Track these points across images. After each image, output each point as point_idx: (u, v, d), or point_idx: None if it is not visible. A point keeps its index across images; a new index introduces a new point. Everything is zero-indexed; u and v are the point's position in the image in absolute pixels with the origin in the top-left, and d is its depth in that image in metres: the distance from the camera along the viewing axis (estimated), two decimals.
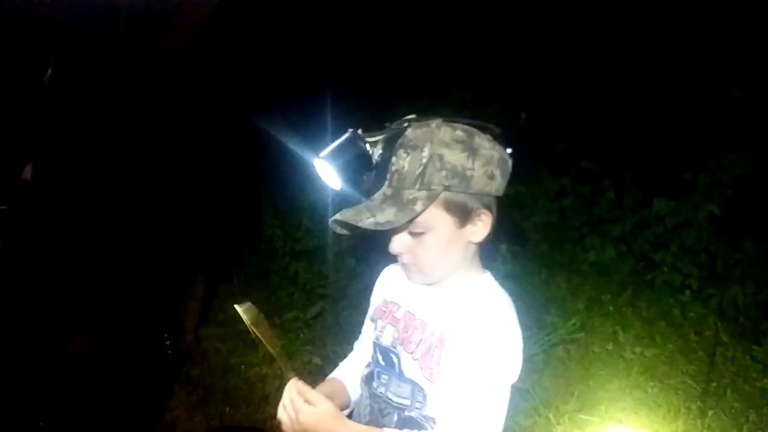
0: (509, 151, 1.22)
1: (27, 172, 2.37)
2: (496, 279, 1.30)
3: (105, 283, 3.01)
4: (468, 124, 1.21)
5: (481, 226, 1.22)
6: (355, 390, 1.40)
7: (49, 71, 2.33)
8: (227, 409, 2.52)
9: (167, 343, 2.63)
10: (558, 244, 3.69)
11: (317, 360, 2.72)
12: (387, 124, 1.22)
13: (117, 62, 2.36)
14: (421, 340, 1.25)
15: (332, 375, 1.44)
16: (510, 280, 3.12)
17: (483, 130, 1.21)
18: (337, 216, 1.20)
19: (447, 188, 1.16)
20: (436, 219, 1.18)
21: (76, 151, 2.40)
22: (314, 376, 2.60)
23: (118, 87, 2.39)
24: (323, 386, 1.38)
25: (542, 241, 3.69)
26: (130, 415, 2.30)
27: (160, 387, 2.45)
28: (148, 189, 3.07)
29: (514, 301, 1.27)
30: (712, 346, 3.02)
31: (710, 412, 2.58)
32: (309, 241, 3.31)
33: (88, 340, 2.70)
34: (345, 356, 1.50)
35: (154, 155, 2.67)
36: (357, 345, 1.48)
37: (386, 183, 1.18)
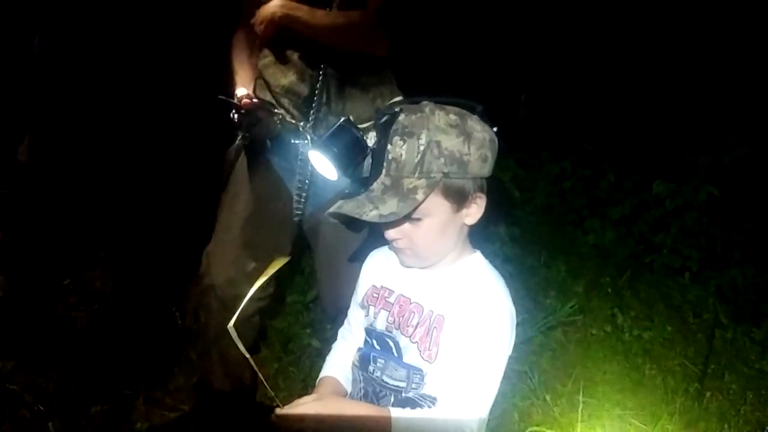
0: (495, 129, 1.22)
1: (24, 154, 2.36)
2: (494, 262, 1.32)
3: (104, 266, 3.02)
4: (455, 104, 1.20)
5: (476, 209, 1.24)
6: (348, 381, 1.41)
7: (36, 40, 2.30)
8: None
9: (177, 314, 2.64)
10: (558, 227, 3.68)
11: (316, 343, 2.72)
12: (376, 110, 1.22)
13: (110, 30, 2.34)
14: (418, 323, 1.26)
15: (324, 373, 1.44)
16: (509, 263, 3.13)
17: (467, 108, 1.22)
18: (337, 209, 1.19)
19: (446, 175, 1.16)
20: (434, 205, 1.18)
21: (75, 125, 2.39)
22: (313, 358, 2.61)
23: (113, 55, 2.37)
24: (321, 390, 1.39)
25: (542, 223, 3.68)
26: (129, 396, 2.30)
27: (159, 369, 2.45)
28: (147, 169, 3.06)
29: (514, 284, 1.28)
30: (711, 328, 3.03)
31: (708, 394, 2.59)
32: None
33: (87, 324, 2.70)
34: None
35: (158, 134, 2.66)
36: (343, 332, 1.48)
37: (383, 172, 1.17)
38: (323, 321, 2.73)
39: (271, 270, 1.24)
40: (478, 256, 1.31)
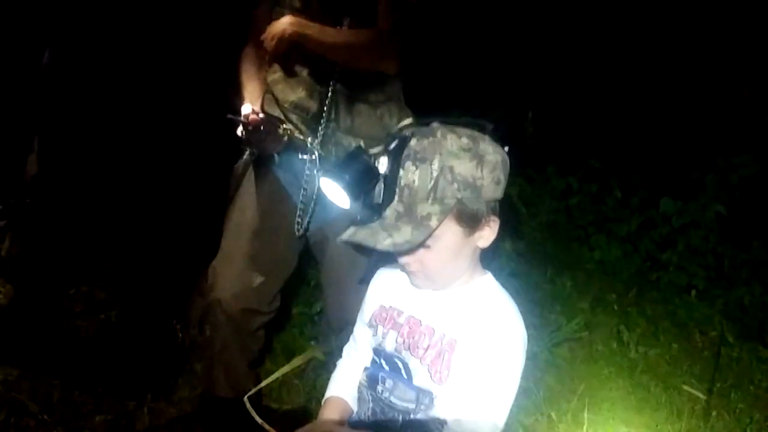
0: (506, 149, 1.22)
1: (33, 164, 2.38)
2: (499, 277, 1.32)
3: (110, 277, 3.03)
4: (465, 125, 1.20)
5: (489, 232, 1.23)
6: (355, 400, 1.40)
7: (46, 55, 2.33)
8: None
9: (177, 326, 2.64)
10: (564, 243, 3.68)
11: (321, 356, 2.72)
12: (387, 134, 1.22)
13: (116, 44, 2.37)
14: (429, 345, 1.25)
15: (330, 393, 1.43)
16: (515, 279, 3.12)
17: (478, 128, 1.21)
18: (350, 237, 1.18)
19: (460, 200, 1.15)
20: (447, 230, 1.18)
21: (84, 136, 2.41)
22: (317, 371, 2.60)
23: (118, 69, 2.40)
24: (328, 410, 1.38)
25: (548, 239, 3.68)
26: (134, 406, 2.31)
27: (164, 380, 2.45)
28: (154, 180, 3.08)
29: (519, 299, 1.28)
30: (718, 346, 3.01)
31: (714, 413, 2.57)
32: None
33: (93, 334, 2.71)
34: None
35: (161, 145, 2.67)
36: (348, 350, 1.47)
37: (396, 198, 1.16)
38: (328, 334, 2.72)
39: (298, 361, 1.26)
40: (489, 277, 1.30)
